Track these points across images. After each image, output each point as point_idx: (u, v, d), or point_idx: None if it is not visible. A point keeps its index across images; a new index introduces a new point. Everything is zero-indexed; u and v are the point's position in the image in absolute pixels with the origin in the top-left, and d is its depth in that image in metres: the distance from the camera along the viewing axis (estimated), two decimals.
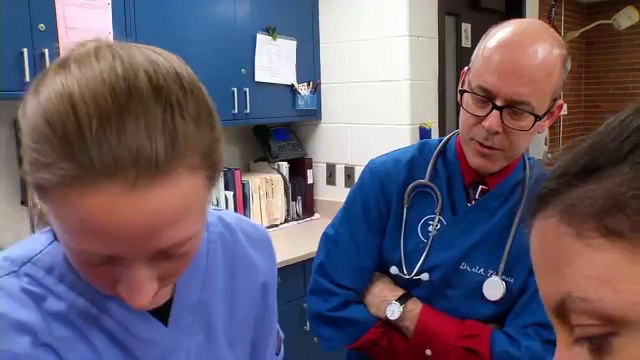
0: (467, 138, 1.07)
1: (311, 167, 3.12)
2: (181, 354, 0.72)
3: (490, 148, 1.03)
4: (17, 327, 0.60)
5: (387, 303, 1.13)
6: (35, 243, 0.67)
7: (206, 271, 0.75)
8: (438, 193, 1.13)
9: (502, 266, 1.10)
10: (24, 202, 2.20)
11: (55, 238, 0.66)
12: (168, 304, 0.71)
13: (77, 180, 0.49)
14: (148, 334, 0.68)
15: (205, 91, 0.57)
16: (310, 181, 3.09)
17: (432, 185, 1.14)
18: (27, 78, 1.90)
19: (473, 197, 1.13)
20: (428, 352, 1.11)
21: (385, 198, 1.16)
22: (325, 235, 1.22)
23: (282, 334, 0.92)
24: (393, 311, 1.12)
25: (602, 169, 0.36)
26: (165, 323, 0.70)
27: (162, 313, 0.70)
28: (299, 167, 3.06)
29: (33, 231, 2.37)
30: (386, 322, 1.14)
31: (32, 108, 0.51)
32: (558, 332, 0.39)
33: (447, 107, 2.98)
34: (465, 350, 1.09)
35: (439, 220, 1.13)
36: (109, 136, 0.48)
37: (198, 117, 0.53)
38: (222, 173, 0.57)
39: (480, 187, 1.12)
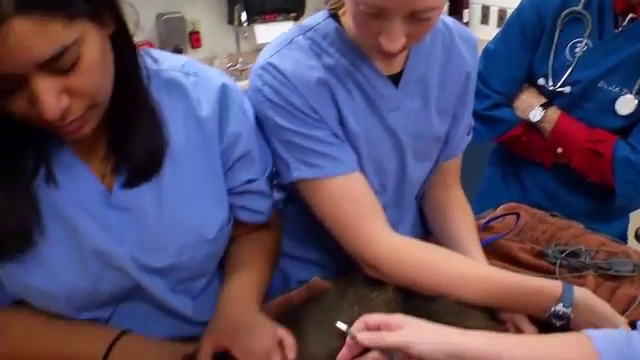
0: None
1: (468, 7, 3.23)
2: (405, 111, 0.97)
3: None
4: (310, 68, 0.90)
5: (531, 108, 1.37)
6: (317, 17, 0.95)
7: (429, 55, 0.97)
8: (589, 19, 1.29)
9: (637, 87, 1.26)
10: (230, 21, 2.63)
11: (329, 16, 0.93)
12: (399, 75, 0.95)
13: None
14: (384, 91, 0.94)
15: None
16: (466, 20, 3.23)
17: (584, 12, 1.29)
18: None
19: (621, 24, 1.27)
20: (559, 150, 1.36)
21: (540, 20, 1.34)
22: (486, 49, 1.45)
23: (472, 122, 1.15)
24: (535, 114, 1.36)
25: None
26: (396, 87, 0.95)
27: (395, 80, 0.95)
28: (457, 6, 3.19)
29: (238, 45, 2.87)
30: (528, 123, 1.39)
31: None
32: None
33: None
34: (590, 151, 1.31)
35: (586, 43, 1.30)
36: None
37: None
38: None
39: (630, 15, 1.25)
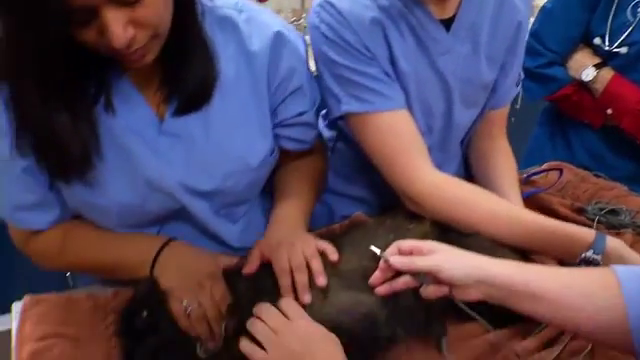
0: None
1: None
2: (454, 56, 1.00)
3: None
4: (365, 7, 0.94)
5: (584, 67, 1.37)
6: None
7: (481, 1, 0.99)
8: None
9: None
10: None
11: None
12: (451, 20, 0.98)
13: None
14: (435, 34, 0.98)
15: None
16: None
17: None
18: None
19: None
20: (609, 111, 1.37)
21: None
22: (543, 8, 1.44)
23: (522, 74, 1.15)
24: (588, 74, 1.36)
25: None
26: (448, 31, 0.98)
27: (447, 25, 0.98)
28: None
29: (302, 1, 2.89)
30: (580, 83, 1.39)
31: None
32: None
33: None
34: None
35: None
36: None
37: None
38: None
39: None
